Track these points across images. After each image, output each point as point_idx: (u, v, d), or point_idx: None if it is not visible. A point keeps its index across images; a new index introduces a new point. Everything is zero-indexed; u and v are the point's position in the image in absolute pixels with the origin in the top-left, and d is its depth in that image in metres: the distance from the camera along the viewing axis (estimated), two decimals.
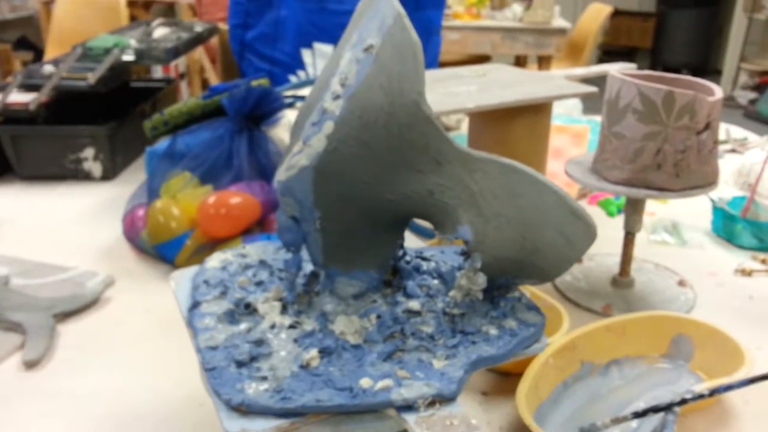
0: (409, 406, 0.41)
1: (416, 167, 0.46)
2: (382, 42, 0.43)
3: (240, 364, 0.44)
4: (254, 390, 0.41)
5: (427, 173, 0.46)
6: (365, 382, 0.42)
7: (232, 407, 0.40)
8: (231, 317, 0.49)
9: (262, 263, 0.55)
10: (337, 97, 0.44)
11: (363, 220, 0.47)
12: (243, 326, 0.48)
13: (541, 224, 0.45)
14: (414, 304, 0.49)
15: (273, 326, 0.47)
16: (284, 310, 0.49)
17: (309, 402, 0.40)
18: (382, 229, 0.49)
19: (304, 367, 0.43)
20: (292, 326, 0.47)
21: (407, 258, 0.54)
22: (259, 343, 0.46)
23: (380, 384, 0.41)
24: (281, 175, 0.46)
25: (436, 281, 0.51)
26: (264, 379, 0.42)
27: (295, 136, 0.49)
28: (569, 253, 0.46)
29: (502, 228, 0.46)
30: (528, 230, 0.45)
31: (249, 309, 0.49)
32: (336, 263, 0.49)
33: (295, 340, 0.46)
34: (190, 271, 0.55)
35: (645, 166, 0.67)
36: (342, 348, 0.45)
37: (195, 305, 0.50)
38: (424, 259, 0.55)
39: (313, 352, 0.44)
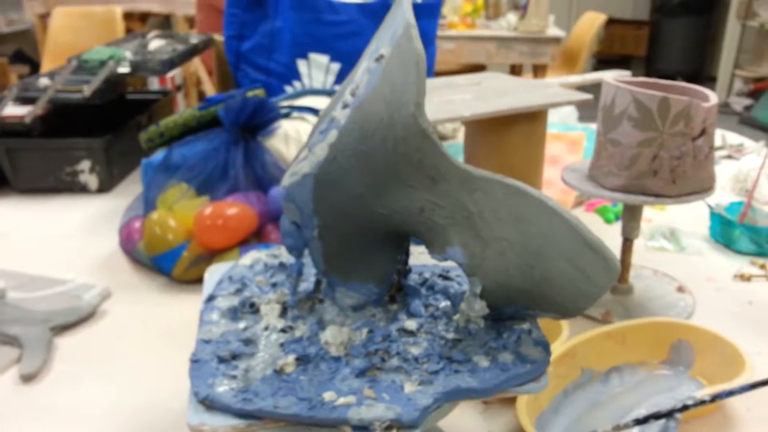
0: (364, 427, 0.39)
1: (409, 182, 0.44)
2: (391, 52, 0.43)
3: (221, 360, 0.45)
4: (222, 387, 0.42)
5: (420, 190, 0.44)
6: (328, 396, 0.41)
7: (199, 400, 0.41)
8: (233, 314, 0.50)
9: (282, 266, 0.56)
10: (345, 107, 0.44)
11: (359, 232, 0.47)
12: (241, 324, 0.49)
13: (550, 254, 0.42)
14: (411, 324, 0.47)
15: (266, 328, 0.48)
16: (284, 313, 0.49)
17: (266, 407, 0.40)
18: (379, 243, 0.48)
19: (278, 372, 0.44)
20: (283, 330, 0.48)
21: (424, 276, 0.53)
22: (247, 342, 0.47)
23: (342, 400, 0.41)
24: (286, 180, 0.47)
25: (444, 303, 0.50)
26: (234, 378, 0.43)
27: (308, 143, 0.50)
28: (587, 288, 0.42)
29: (505, 253, 0.43)
30: (535, 258, 0.42)
31: (252, 308, 0.50)
32: (335, 273, 0.49)
33: (282, 345, 0.46)
34: (226, 265, 0.58)
35: (641, 172, 0.67)
36: (321, 358, 0.45)
37: (210, 298, 0.52)
38: (446, 278, 0.53)
39: (290, 359, 0.44)
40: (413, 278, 0.53)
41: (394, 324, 0.47)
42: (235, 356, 0.45)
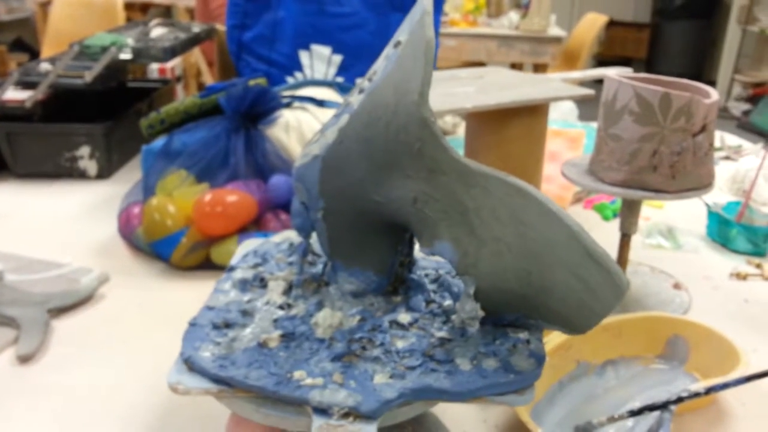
0: (323, 410, 0.39)
1: (407, 172, 0.43)
2: (407, 39, 0.43)
3: (214, 327, 0.46)
4: (205, 352, 0.44)
5: (417, 180, 0.43)
6: (298, 374, 0.42)
7: (182, 360, 0.43)
8: (243, 286, 0.51)
9: (301, 244, 0.56)
10: (361, 91, 0.45)
11: (358, 218, 0.47)
12: (247, 296, 0.50)
13: (550, 261, 0.40)
14: (405, 317, 0.47)
15: (267, 302, 0.49)
16: (288, 291, 0.50)
17: (238, 376, 0.41)
18: (378, 231, 0.48)
19: (261, 345, 0.44)
20: (281, 306, 0.48)
21: (438, 272, 0.53)
22: (245, 313, 0.48)
23: (309, 380, 0.41)
24: (298, 160, 0.48)
25: (449, 301, 0.49)
26: (218, 344, 0.44)
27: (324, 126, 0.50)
28: (591, 303, 0.40)
29: (502, 255, 0.41)
30: (533, 264, 0.40)
31: (262, 283, 0.52)
32: (338, 257, 0.49)
33: (275, 320, 0.47)
34: (257, 241, 0.59)
35: (641, 167, 0.67)
36: (306, 338, 0.45)
37: (230, 269, 0.54)
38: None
39: (275, 334, 0.45)
40: (423, 273, 0.52)
41: (389, 315, 0.47)
42: (228, 325, 0.47)
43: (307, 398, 0.40)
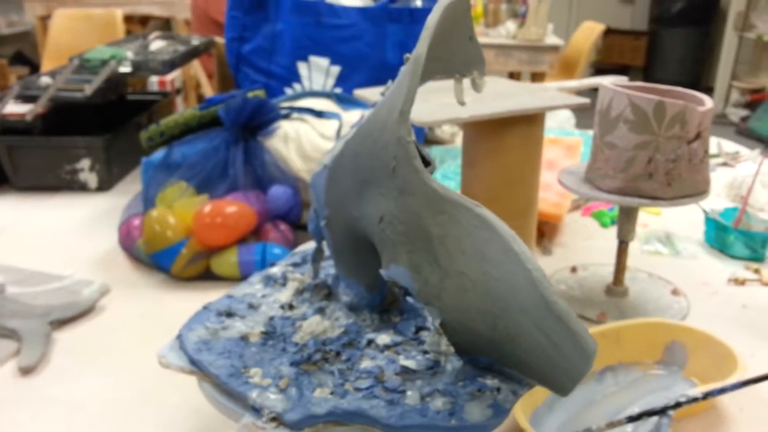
0: (257, 409, 0.40)
1: (381, 190, 0.43)
2: (412, 56, 0.43)
3: (218, 313, 0.49)
4: (195, 334, 0.46)
5: (388, 199, 0.42)
6: (253, 371, 0.43)
7: (176, 337, 0.47)
8: (267, 281, 0.54)
9: (314, 250, 0.58)
10: (373, 106, 0.45)
11: (348, 231, 0.48)
12: (265, 291, 0.52)
13: (513, 307, 0.37)
14: (383, 339, 0.46)
15: (275, 300, 0.51)
16: (300, 292, 0.52)
17: (204, 361, 0.44)
18: (368, 247, 0.47)
19: (242, 338, 0.46)
20: (282, 306, 0.50)
21: None
22: (251, 306, 0.50)
23: (257, 379, 0.42)
24: (315, 168, 0.50)
25: None
26: (207, 329, 0.47)
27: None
28: (560, 361, 0.37)
29: (466, 291, 0.39)
30: (497, 307, 0.37)
31: (284, 281, 0.54)
32: (340, 267, 0.50)
33: (271, 318, 0.49)
34: (311, 244, 0.61)
35: (637, 175, 0.68)
36: (283, 339, 0.46)
37: (270, 265, 0.57)
38: None
39: (257, 330, 0.47)
40: None
41: (373, 334, 0.47)
42: (230, 314, 0.49)
43: (246, 395, 0.41)
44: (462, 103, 0.48)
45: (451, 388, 0.41)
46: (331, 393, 0.41)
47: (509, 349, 0.39)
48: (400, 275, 0.42)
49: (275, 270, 0.55)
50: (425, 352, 0.44)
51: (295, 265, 0.56)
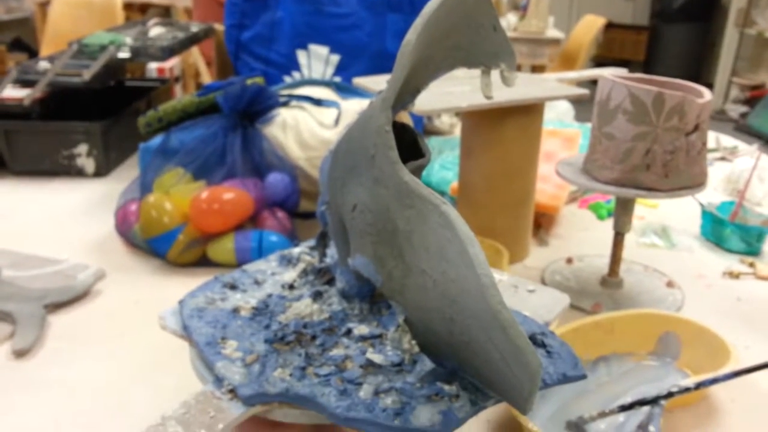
0: (220, 380, 0.41)
1: (361, 179, 0.42)
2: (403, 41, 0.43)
3: (223, 285, 0.51)
4: (194, 301, 0.48)
5: (365, 188, 0.42)
6: (228, 343, 0.44)
7: (178, 302, 0.49)
8: (282, 261, 0.55)
9: (319, 233, 0.59)
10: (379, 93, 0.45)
11: (338, 217, 0.48)
12: (277, 270, 0.53)
13: (467, 313, 0.35)
14: (362, 330, 0.45)
15: (280, 279, 0.52)
16: (305, 273, 0.52)
17: (192, 327, 0.45)
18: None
19: (234, 310, 0.48)
20: (283, 285, 0.51)
21: None
22: (256, 282, 0.51)
23: (229, 351, 0.43)
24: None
25: None
26: (206, 298, 0.49)
27: None
28: (509, 376, 0.35)
29: (427, 291, 0.38)
30: (455, 311, 0.36)
31: (297, 261, 0.55)
32: (339, 252, 0.50)
33: (269, 295, 0.49)
34: None
35: (634, 166, 0.68)
36: (270, 317, 0.47)
37: (295, 245, 0.57)
38: None
39: (248, 304, 0.48)
40: None
41: (354, 324, 0.46)
42: (233, 287, 0.50)
43: (214, 365, 0.42)
44: (489, 97, 0.46)
45: (408, 387, 0.39)
46: (290, 375, 0.41)
47: (465, 356, 0.38)
48: (364, 266, 0.42)
49: (296, 250, 0.56)
50: (401, 347, 0.44)
51: (312, 247, 0.56)
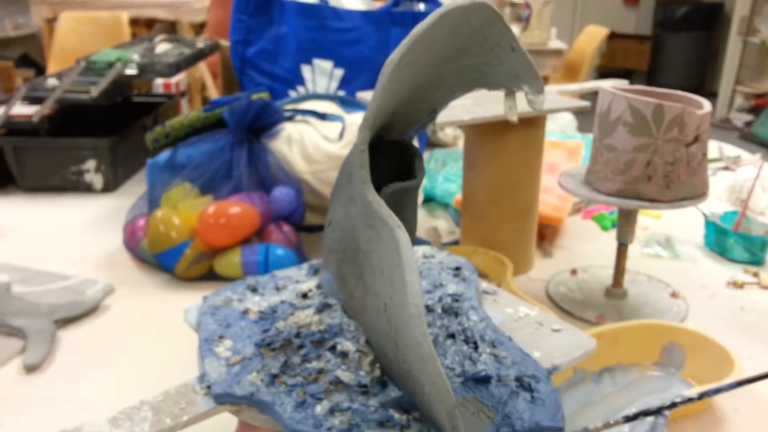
0: (203, 375, 0.43)
1: (340, 196, 0.43)
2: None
3: (247, 287, 0.53)
4: (215, 299, 0.51)
5: (341, 204, 0.42)
6: (226, 343, 0.46)
7: (203, 299, 0.52)
8: (309, 270, 0.57)
9: None
10: None
11: None
12: (304, 277, 0.55)
13: (404, 341, 0.34)
14: (347, 346, 0.44)
15: (299, 287, 0.53)
16: (321, 285, 0.53)
17: (202, 323, 0.49)
18: None
19: (244, 312, 0.50)
20: (298, 294, 0.52)
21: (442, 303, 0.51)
22: (277, 288, 0.53)
23: (220, 349, 0.45)
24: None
25: None
26: (225, 298, 0.52)
27: None
28: (436, 414, 0.33)
29: (380, 314, 0.37)
30: (397, 337, 0.34)
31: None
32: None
33: (281, 302, 0.51)
34: None
35: (635, 177, 0.68)
36: (271, 322, 0.48)
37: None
38: (456, 314, 0.49)
39: (256, 309, 0.50)
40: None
41: (341, 339, 0.45)
42: (254, 290, 0.53)
43: (203, 360, 0.44)
44: (513, 122, 0.45)
45: (363, 410, 0.39)
46: (261, 380, 0.42)
47: (409, 386, 0.37)
48: (327, 282, 0.43)
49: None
50: (363, 370, 0.43)
51: None
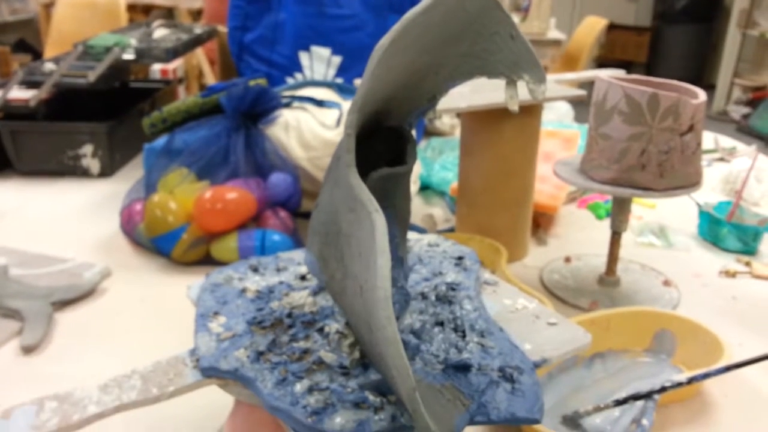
0: (194, 349, 0.44)
1: (329, 179, 0.42)
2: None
3: (249, 267, 0.55)
4: (217, 276, 0.53)
5: (329, 187, 0.42)
6: (219, 319, 0.47)
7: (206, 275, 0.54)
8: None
9: None
10: None
11: None
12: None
13: (375, 324, 0.33)
14: (334, 327, 0.44)
15: (299, 270, 0.54)
16: None
17: (201, 299, 0.50)
18: None
19: (242, 291, 0.51)
20: (297, 276, 0.53)
21: (423, 289, 0.51)
22: (279, 269, 0.54)
23: (213, 325, 0.46)
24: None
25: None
26: (226, 276, 0.53)
27: None
28: (400, 396, 0.33)
29: (357, 297, 0.37)
30: (372, 321, 0.34)
31: None
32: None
33: (280, 282, 0.52)
34: None
35: (630, 166, 0.69)
36: (266, 301, 0.49)
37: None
38: (450, 302, 0.49)
39: (253, 288, 0.51)
40: (417, 288, 0.51)
41: (331, 321, 0.46)
42: (256, 269, 0.54)
43: (196, 335, 0.45)
44: (513, 111, 0.45)
45: (340, 391, 0.39)
46: (247, 356, 0.43)
47: (382, 369, 0.37)
48: (310, 264, 0.43)
49: None
50: (342, 352, 0.43)
51: None
